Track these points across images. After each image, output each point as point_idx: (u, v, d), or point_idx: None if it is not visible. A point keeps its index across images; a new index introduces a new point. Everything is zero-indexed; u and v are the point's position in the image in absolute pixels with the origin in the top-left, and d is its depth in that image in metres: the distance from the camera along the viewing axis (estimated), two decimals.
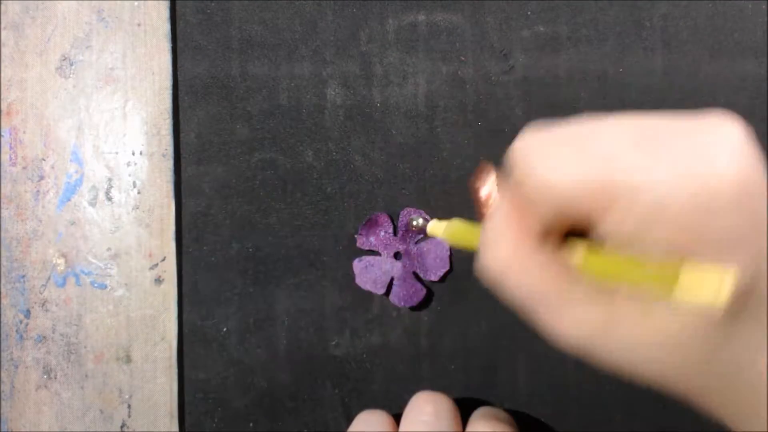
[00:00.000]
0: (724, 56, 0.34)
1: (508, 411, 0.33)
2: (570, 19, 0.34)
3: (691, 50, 0.34)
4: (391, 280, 0.33)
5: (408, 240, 0.34)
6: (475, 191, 0.23)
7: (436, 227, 0.29)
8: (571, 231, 0.19)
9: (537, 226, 0.19)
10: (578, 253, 0.19)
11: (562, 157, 0.18)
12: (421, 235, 0.34)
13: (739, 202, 0.16)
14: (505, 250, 0.19)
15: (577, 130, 0.18)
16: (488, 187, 0.22)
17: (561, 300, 0.19)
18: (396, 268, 0.34)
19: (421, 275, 0.34)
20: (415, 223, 0.33)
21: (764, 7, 0.34)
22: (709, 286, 0.16)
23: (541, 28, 0.34)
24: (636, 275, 0.18)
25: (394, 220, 0.34)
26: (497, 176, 0.21)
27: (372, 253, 0.34)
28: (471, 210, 0.34)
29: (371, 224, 0.33)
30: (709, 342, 0.18)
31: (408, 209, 0.34)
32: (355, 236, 0.33)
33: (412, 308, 0.34)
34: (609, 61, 0.34)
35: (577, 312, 0.18)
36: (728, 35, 0.34)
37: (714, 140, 0.17)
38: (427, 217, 0.33)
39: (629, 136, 0.17)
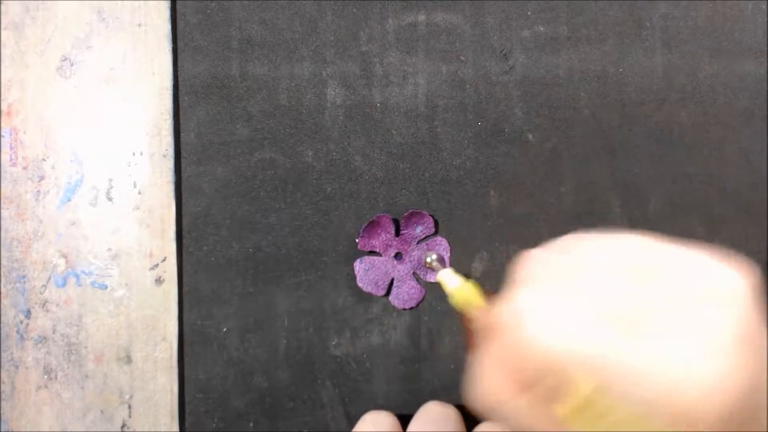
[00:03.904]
0: (724, 56, 0.34)
1: None
2: (570, 19, 0.34)
3: (691, 50, 0.34)
4: (392, 281, 0.33)
5: (409, 241, 0.34)
6: (468, 323, 0.23)
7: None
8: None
9: (525, 373, 0.19)
10: (562, 405, 0.19)
11: (552, 322, 0.18)
12: (429, 261, 0.33)
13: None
14: (497, 387, 0.20)
15: (570, 278, 0.18)
16: (479, 322, 0.22)
17: None
18: (396, 269, 0.33)
19: (421, 276, 0.34)
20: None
21: (764, 7, 0.34)
22: None
23: (541, 28, 0.34)
24: None
25: (394, 221, 0.34)
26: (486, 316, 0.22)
27: (372, 253, 0.34)
28: (470, 211, 0.34)
29: (373, 226, 0.33)
30: None
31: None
32: (357, 240, 0.33)
33: (412, 308, 0.34)
34: (609, 61, 0.34)
35: None
36: (728, 35, 0.34)
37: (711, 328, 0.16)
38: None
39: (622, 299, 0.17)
